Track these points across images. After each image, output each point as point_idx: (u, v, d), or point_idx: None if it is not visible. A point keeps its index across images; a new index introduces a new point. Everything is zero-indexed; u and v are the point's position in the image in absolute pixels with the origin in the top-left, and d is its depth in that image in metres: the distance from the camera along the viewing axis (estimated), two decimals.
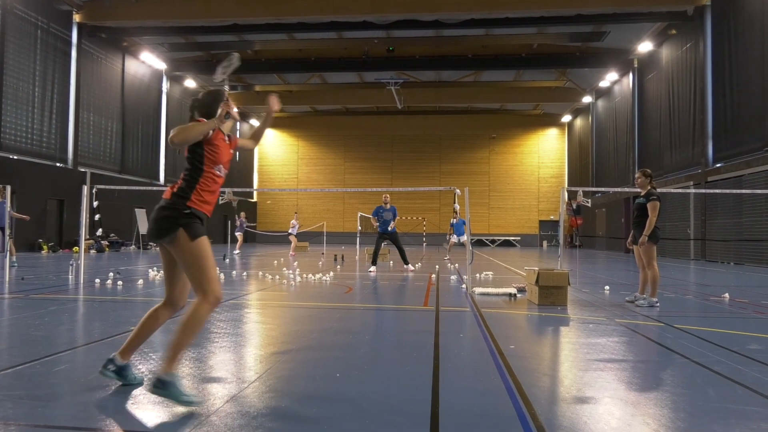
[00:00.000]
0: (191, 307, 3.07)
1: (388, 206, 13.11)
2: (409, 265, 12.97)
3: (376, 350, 4.53)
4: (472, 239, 10.24)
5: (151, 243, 25.57)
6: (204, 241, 3.11)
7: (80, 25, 22.70)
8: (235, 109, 3.31)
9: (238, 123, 31.39)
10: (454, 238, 18.17)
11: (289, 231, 21.27)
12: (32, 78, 20.34)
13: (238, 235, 21.47)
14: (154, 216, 3.09)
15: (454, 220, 18.01)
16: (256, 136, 3.78)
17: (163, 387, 2.92)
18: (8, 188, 8.77)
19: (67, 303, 6.91)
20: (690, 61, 21.10)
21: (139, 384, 3.25)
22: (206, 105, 3.26)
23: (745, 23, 17.63)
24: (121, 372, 3.20)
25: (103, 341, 4.56)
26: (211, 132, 3.11)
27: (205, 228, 3.17)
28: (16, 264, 12.16)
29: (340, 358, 4.21)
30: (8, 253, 10.74)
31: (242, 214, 23.04)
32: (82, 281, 9.20)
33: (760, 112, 16.61)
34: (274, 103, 3.60)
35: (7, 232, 11.67)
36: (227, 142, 3.31)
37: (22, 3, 19.78)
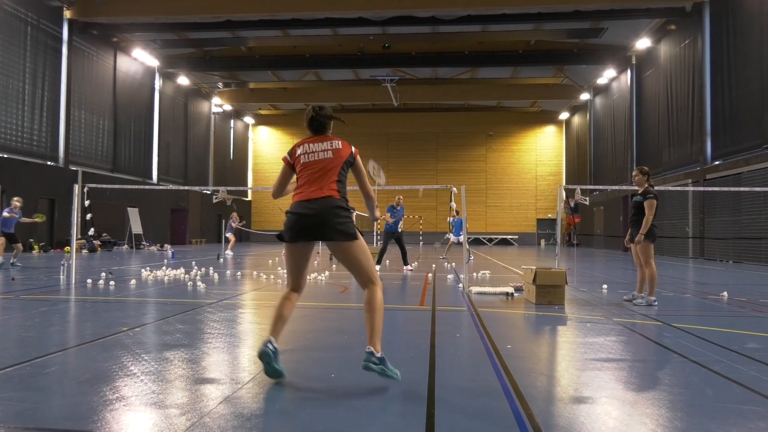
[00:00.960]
0: (370, 295, 3.63)
1: (399, 207, 13.38)
2: (409, 265, 12.97)
3: None
4: (469, 238, 10.21)
5: (145, 243, 25.46)
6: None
7: (71, 22, 22.56)
8: None
9: (232, 121, 31.28)
10: (453, 237, 18.13)
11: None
12: (22, 75, 20.19)
13: (229, 235, 21.37)
14: (335, 213, 3.55)
15: (452, 218, 17.97)
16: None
17: (381, 362, 3.40)
18: None
19: (59, 304, 6.85)
20: (688, 57, 21.11)
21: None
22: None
23: (744, 20, 17.63)
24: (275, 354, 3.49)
25: (95, 342, 4.51)
26: None
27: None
28: (19, 266, 12.36)
29: (336, 358, 4.17)
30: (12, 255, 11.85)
31: (233, 214, 22.86)
32: (73, 282, 9.13)
33: (758, 109, 16.61)
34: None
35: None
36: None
37: None
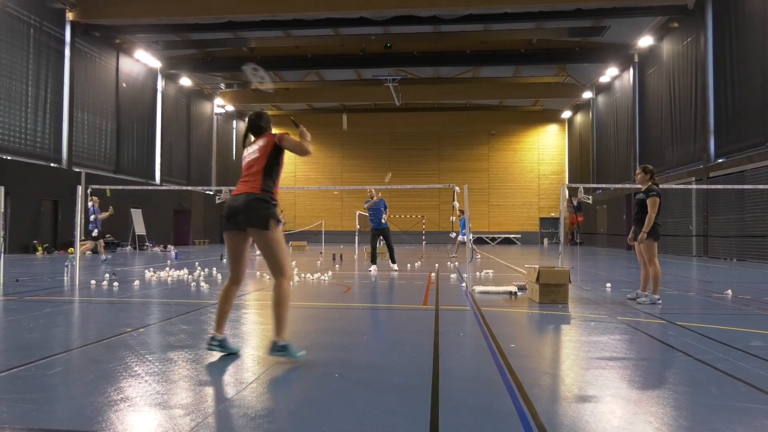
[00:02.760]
0: (276, 288, 3.95)
1: (378, 200, 12.72)
2: (395, 264, 12.66)
3: (375, 350, 4.49)
4: (472, 237, 10.19)
5: (148, 244, 25.52)
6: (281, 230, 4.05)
7: (73, 24, 22.58)
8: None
9: (234, 122, 31.45)
10: (461, 237, 18.07)
11: None
12: (25, 77, 20.23)
13: None
14: (251, 205, 3.93)
15: (456, 218, 17.92)
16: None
17: (283, 349, 3.86)
18: (2, 189, 8.73)
19: (63, 305, 6.86)
20: (691, 55, 21.04)
21: (236, 353, 4.13)
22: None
23: (746, 17, 17.57)
24: (222, 344, 4.06)
25: (99, 343, 4.52)
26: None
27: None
28: (108, 258, 13.53)
29: (339, 358, 4.17)
30: (99, 253, 13.51)
31: None
32: (77, 283, 9.15)
33: (761, 107, 16.55)
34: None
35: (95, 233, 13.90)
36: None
37: (14, 1, 19.66)
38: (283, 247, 4.02)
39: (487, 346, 4.54)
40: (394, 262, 12.70)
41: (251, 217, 3.92)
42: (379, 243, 13.32)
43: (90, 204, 13.66)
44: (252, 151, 4.16)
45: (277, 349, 3.87)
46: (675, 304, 7.19)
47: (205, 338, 4.31)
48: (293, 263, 14.07)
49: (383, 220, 12.79)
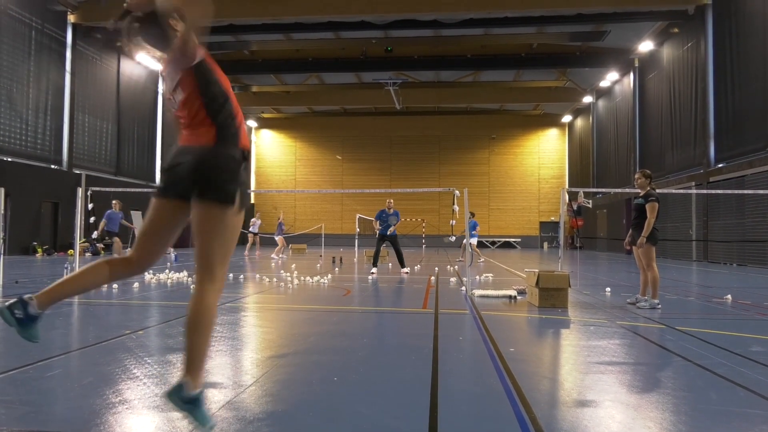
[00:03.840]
0: (195, 297, 2.47)
1: (392, 211, 13.06)
2: (406, 267, 12.88)
3: (374, 354, 4.48)
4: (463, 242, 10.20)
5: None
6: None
7: (75, 26, 22.65)
8: None
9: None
10: (471, 240, 18.05)
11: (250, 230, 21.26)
12: (26, 79, 20.28)
13: (278, 239, 21.47)
14: (209, 162, 2.51)
15: (454, 221, 17.89)
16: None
17: (191, 402, 2.41)
18: (2, 190, 8.72)
19: (62, 307, 6.85)
20: (691, 60, 21.07)
21: (36, 341, 2.61)
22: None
23: (747, 22, 17.60)
24: (29, 322, 2.55)
25: (98, 345, 4.52)
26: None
27: None
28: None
29: (338, 361, 4.16)
30: (113, 252, 13.31)
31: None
32: None
33: (762, 112, 16.56)
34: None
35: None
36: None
37: (16, 3, 19.73)
38: (233, 240, 2.59)
39: (487, 350, 4.53)
40: (403, 266, 12.82)
41: (210, 181, 2.47)
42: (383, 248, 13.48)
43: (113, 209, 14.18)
44: (171, 84, 2.66)
45: (183, 398, 2.41)
46: (674, 309, 7.18)
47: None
48: (293, 266, 13.98)
49: (390, 230, 12.93)
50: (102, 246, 21.78)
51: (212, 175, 2.49)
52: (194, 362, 2.45)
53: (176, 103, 2.66)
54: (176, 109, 2.68)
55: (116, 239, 13.89)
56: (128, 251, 2.76)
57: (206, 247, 2.51)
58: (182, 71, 2.61)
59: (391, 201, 13.22)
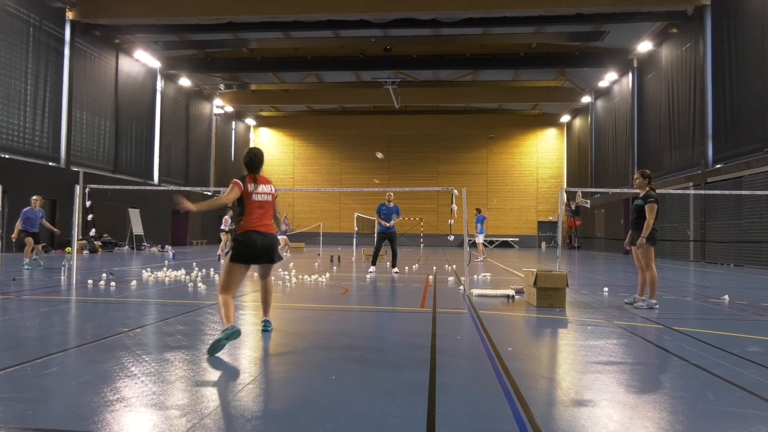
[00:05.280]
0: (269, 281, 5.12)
1: (392, 204, 12.92)
2: (396, 268, 12.72)
3: (372, 352, 4.48)
4: (469, 240, 10.20)
5: (146, 244, 25.48)
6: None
7: (73, 23, 22.57)
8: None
9: (233, 122, 31.36)
10: (480, 238, 18.08)
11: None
12: (24, 76, 20.20)
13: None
14: (275, 246, 4.88)
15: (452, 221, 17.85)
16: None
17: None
18: None
19: (59, 304, 6.85)
20: (690, 61, 21.10)
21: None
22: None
23: (745, 23, 17.63)
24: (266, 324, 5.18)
25: (96, 343, 4.51)
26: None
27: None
28: (42, 266, 12.63)
29: (336, 360, 4.17)
30: (33, 253, 12.20)
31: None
32: (74, 282, 9.13)
33: (760, 113, 16.60)
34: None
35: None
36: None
37: (14, 0, 19.66)
38: (226, 271, 4.76)
39: (484, 349, 4.54)
40: (394, 266, 12.72)
41: (275, 254, 4.83)
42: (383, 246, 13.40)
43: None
44: (266, 191, 4.76)
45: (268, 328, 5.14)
46: (672, 309, 7.19)
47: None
48: (290, 264, 14.08)
49: (391, 224, 12.82)
50: (100, 244, 21.72)
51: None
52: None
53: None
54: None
55: (29, 239, 12.25)
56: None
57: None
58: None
59: (391, 194, 13.10)
